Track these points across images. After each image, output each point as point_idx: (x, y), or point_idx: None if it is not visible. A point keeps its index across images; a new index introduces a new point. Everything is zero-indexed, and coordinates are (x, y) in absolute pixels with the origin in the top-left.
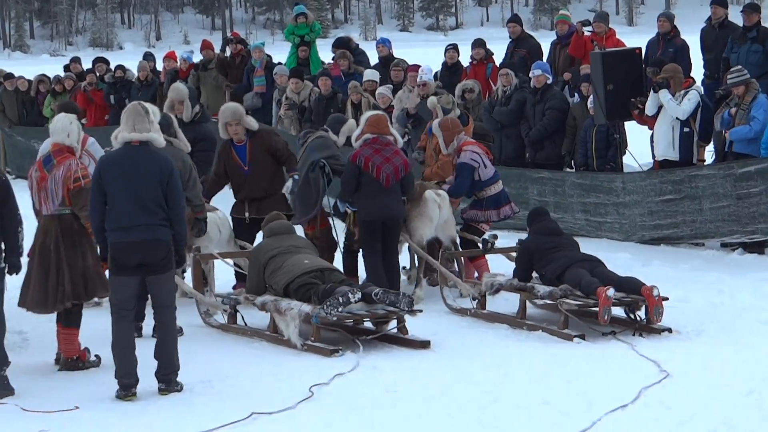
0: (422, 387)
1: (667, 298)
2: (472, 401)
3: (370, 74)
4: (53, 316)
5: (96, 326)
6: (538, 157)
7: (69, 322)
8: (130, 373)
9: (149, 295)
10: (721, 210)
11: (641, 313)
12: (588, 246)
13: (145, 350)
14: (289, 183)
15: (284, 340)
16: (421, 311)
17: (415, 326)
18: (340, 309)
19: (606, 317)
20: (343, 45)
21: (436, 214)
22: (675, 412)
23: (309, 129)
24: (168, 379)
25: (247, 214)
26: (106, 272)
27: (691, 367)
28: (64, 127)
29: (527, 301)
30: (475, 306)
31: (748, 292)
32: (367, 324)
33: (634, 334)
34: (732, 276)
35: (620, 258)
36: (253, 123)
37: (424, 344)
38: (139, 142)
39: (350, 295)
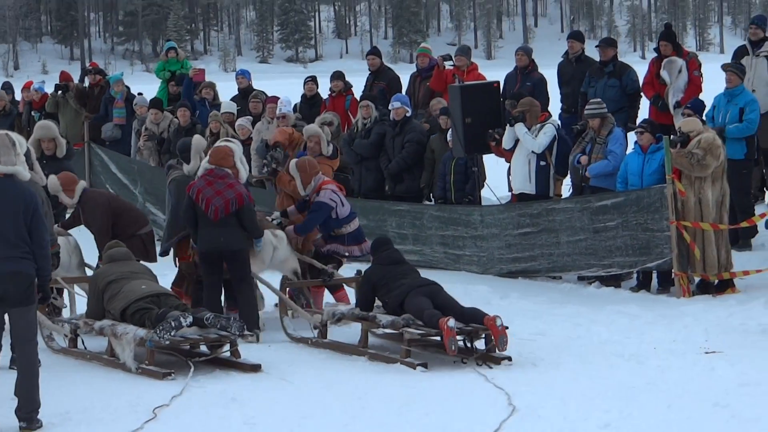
0: (281, 419)
1: (507, 327)
2: None
3: (228, 106)
4: None
5: None
6: (398, 190)
7: None
8: None
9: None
10: (578, 243)
11: (480, 344)
12: (446, 278)
13: (6, 383)
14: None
15: (121, 364)
16: (252, 335)
17: (253, 354)
18: (172, 333)
19: (453, 348)
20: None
21: (269, 257)
22: None
23: (171, 163)
24: (29, 417)
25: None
26: None
27: (548, 400)
28: None
29: (368, 331)
30: (316, 335)
31: (605, 325)
32: (203, 348)
33: (478, 364)
34: (589, 309)
35: (478, 290)
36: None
37: (255, 368)
38: (4, 175)
39: (182, 319)
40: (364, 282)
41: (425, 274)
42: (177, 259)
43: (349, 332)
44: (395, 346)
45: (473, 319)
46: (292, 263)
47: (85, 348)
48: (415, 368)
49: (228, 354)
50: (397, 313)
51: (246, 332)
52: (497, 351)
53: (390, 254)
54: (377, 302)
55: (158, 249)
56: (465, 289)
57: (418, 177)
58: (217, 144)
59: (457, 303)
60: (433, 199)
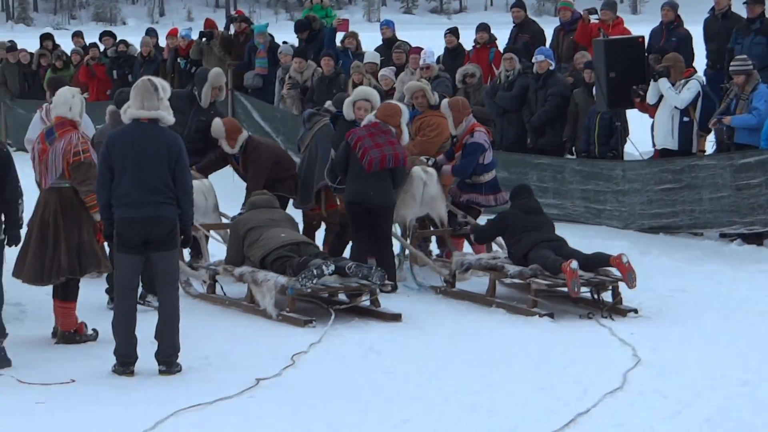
0: (418, 368)
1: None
2: (467, 385)
3: (371, 56)
4: (50, 288)
5: (94, 300)
6: (539, 143)
7: (66, 295)
8: (129, 352)
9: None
10: (720, 200)
11: (607, 296)
12: (587, 233)
13: (145, 327)
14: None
15: (260, 311)
16: (393, 285)
17: (392, 303)
18: (314, 281)
19: (576, 289)
20: (305, 26)
21: (420, 192)
22: (670, 401)
23: (314, 110)
24: (169, 361)
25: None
26: (105, 248)
27: (687, 357)
28: (66, 100)
29: (497, 280)
30: (444, 285)
31: (746, 283)
32: (342, 296)
33: (603, 317)
34: (730, 267)
35: (618, 246)
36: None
37: (395, 317)
38: (148, 120)
39: (324, 267)
40: (498, 220)
41: (565, 228)
42: (323, 207)
43: (477, 282)
44: (523, 296)
45: (599, 262)
46: (441, 205)
47: (225, 294)
48: (542, 317)
49: (368, 303)
50: (519, 263)
51: (387, 281)
52: (628, 285)
53: (528, 203)
54: (496, 248)
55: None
56: (605, 244)
57: (561, 131)
58: (393, 102)
59: (580, 252)
60: (574, 153)
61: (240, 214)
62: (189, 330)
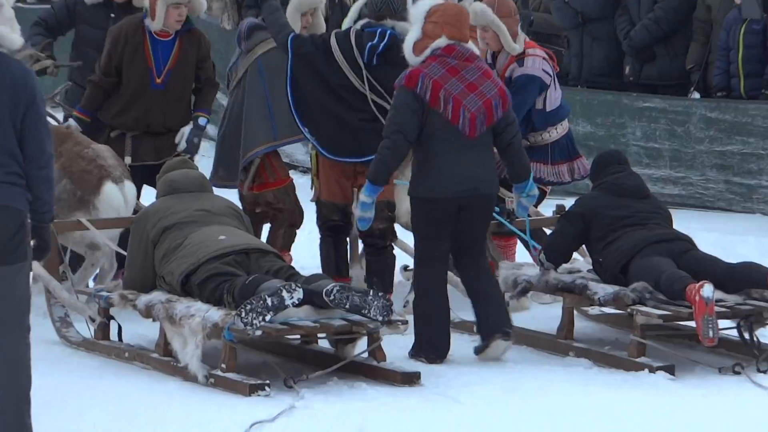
0: None
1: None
2: None
3: None
4: None
5: None
6: (646, 74)
7: None
8: None
9: None
10: None
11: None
12: (729, 225)
13: None
14: (185, 130)
15: (179, 368)
16: (406, 323)
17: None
18: (267, 316)
19: (711, 334)
20: None
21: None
22: None
23: (258, 22)
24: None
25: (129, 159)
26: None
27: None
28: None
29: (575, 309)
30: None
31: None
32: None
33: (761, 371)
34: None
35: None
36: (201, 7)
37: (410, 379)
38: None
39: (284, 292)
40: (572, 216)
41: (691, 216)
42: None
43: (541, 312)
44: (621, 337)
45: (750, 278)
46: None
47: (121, 340)
48: (653, 372)
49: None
50: (618, 281)
51: (397, 317)
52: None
53: (623, 179)
54: (579, 256)
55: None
56: (759, 243)
57: (682, 53)
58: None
59: (721, 262)
60: (704, 91)
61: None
62: (56, 406)
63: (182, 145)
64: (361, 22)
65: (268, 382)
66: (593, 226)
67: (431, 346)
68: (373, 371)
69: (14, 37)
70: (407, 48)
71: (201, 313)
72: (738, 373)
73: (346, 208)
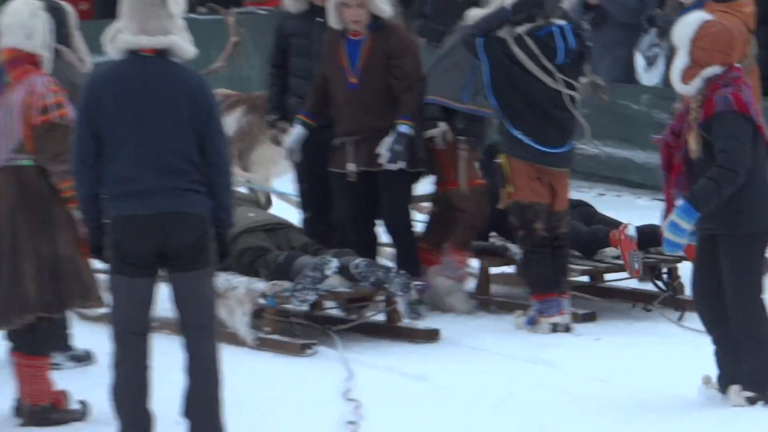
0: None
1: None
2: None
3: None
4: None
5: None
6: None
7: (35, 347)
8: None
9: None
10: None
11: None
12: None
13: (167, 395)
14: (388, 140)
15: (226, 334)
16: (420, 302)
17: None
18: (319, 289)
19: (636, 266)
20: None
21: None
22: None
23: None
24: None
25: (352, 167)
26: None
27: None
28: (22, 21)
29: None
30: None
31: None
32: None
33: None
34: None
35: None
36: (383, 6)
37: (430, 335)
38: (154, 51)
39: (324, 267)
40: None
41: None
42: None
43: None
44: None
45: (652, 237)
46: None
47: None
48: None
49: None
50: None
51: (413, 286)
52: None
53: None
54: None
55: None
56: None
57: None
58: (709, 23)
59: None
60: None
61: None
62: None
63: (385, 156)
64: (528, 25)
65: (315, 341)
66: None
67: None
68: (393, 330)
69: (188, 48)
70: (675, 76)
71: (243, 285)
72: (648, 310)
73: (548, 211)
